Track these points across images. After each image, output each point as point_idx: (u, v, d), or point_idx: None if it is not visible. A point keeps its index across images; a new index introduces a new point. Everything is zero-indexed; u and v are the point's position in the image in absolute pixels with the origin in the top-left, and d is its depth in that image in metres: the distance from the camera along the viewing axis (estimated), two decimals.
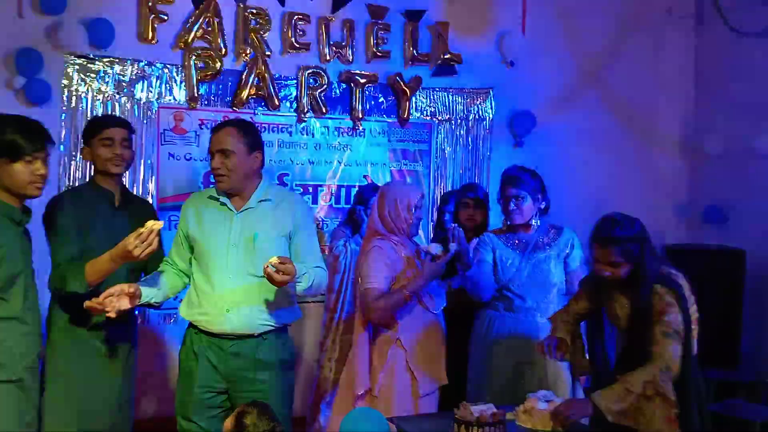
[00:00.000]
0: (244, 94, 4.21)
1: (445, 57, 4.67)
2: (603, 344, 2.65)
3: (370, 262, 2.95)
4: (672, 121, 5.23)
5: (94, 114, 3.85)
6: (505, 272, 3.08)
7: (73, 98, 3.88)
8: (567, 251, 3.10)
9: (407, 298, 2.88)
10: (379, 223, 3.03)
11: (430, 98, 4.70)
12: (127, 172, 3.40)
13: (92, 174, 3.04)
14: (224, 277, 2.65)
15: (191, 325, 2.76)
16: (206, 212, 2.70)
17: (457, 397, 2.89)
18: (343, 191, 4.51)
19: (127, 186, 3.36)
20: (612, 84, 5.09)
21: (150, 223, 2.44)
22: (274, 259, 2.45)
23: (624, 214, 2.55)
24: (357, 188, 4.28)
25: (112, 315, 2.46)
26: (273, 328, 2.69)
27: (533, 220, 3.14)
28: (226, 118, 3.57)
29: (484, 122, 4.84)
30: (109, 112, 3.95)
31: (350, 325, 3.89)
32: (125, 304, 2.50)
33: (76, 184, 3.80)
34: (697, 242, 4.98)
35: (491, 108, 4.84)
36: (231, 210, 2.69)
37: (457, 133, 4.80)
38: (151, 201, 3.90)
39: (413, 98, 4.62)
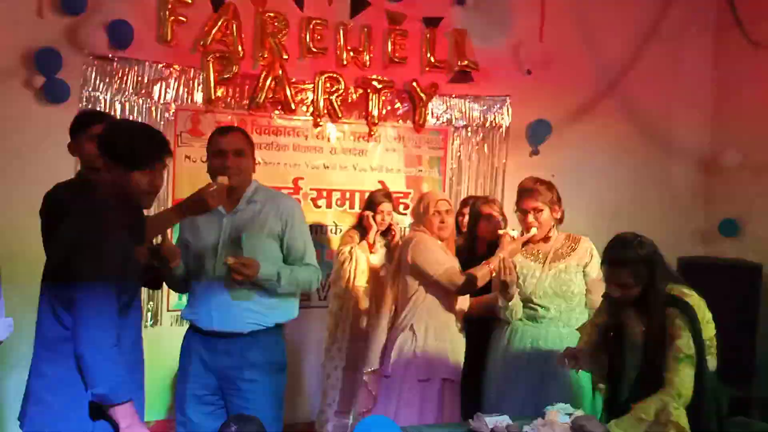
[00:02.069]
0: (261, 97, 4.22)
1: (462, 64, 4.66)
2: (621, 358, 2.62)
3: (426, 253, 3.17)
4: (689, 133, 5.20)
5: (112, 114, 3.86)
6: (527, 284, 3.07)
7: (92, 99, 3.90)
8: (586, 260, 3.08)
9: (492, 271, 3.11)
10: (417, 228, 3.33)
11: (446, 105, 4.69)
12: None
13: (80, 169, 2.90)
14: (213, 278, 2.69)
15: (189, 324, 2.81)
16: (199, 216, 2.71)
17: (473, 407, 2.94)
18: (357, 196, 4.51)
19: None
20: (629, 94, 5.06)
21: (220, 179, 2.60)
22: (230, 260, 2.56)
23: (636, 234, 2.54)
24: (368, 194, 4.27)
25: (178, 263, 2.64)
26: (263, 327, 2.71)
27: (552, 231, 3.13)
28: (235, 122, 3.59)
29: (501, 130, 4.83)
30: (127, 114, 3.97)
31: (358, 332, 3.90)
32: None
33: None
34: (712, 255, 4.93)
35: (508, 116, 4.83)
36: (221, 212, 2.73)
37: (473, 140, 4.79)
38: (169, 202, 3.91)
39: (429, 105, 4.61)
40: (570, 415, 2.54)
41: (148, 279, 2.69)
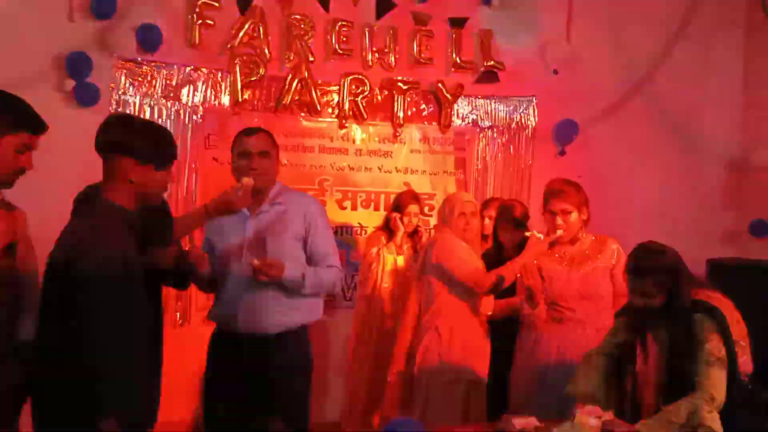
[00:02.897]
0: (287, 99, 4.24)
1: (488, 64, 4.65)
2: (634, 378, 2.60)
3: (451, 253, 3.19)
4: (719, 132, 5.11)
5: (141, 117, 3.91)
6: (553, 286, 3.05)
7: (121, 102, 3.95)
8: (613, 262, 3.05)
9: (517, 270, 3.11)
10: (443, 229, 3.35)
11: (472, 105, 4.68)
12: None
13: None
14: (238, 279, 2.71)
15: (217, 325, 2.84)
16: (224, 218, 2.73)
17: (501, 408, 2.93)
18: (382, 197, 4.51)
19: (169, 188, 3.40)
20: (658, 93, 4.99)
21: (245, 180, 2.62)
22: (255, 262, 2.57)
23: (658, 242, 2.52)
24: (394, 195, 4.27)
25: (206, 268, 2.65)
26: (288, 328, 2.72)
27: (580, 233, 3.11)
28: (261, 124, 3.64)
29: (527, 130, 4.80)
30: (156, 116, 4.01)
31: (385, 333, 3.90)
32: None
33: None
34: (743, 257, 4.86)
35: (534, 116, 4.80)
36: (245, 213, 2.75)
37: (499, 141, 4.77)
38: (197, 204, 3.95)
39: (455, 105, 4.60)
40: (599, 417, 2.52)
41: (176, 279, 2.72)
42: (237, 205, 2.57)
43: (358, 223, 4.50)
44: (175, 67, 4.06)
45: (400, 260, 4.03)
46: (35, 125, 2.14)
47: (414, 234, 4.09)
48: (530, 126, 4.80)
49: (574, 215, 3.05)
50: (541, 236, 3.12)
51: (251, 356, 2.70)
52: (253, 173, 2.71)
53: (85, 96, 3.84)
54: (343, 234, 4.46)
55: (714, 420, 2.33)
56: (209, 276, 2.77)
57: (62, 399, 2.02)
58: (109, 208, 2.13)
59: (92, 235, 2.05)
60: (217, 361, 2.78)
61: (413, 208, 4.03)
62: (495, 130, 4.76)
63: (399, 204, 4.05)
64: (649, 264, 2.45)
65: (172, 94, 4.07)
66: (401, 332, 3.39)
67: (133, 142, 2.16)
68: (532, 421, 2.50)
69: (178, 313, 4.12)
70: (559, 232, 3.05)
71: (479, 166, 4.74)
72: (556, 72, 4.75)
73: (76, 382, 1.97)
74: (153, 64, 4.01)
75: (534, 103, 4.79)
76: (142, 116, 3.91)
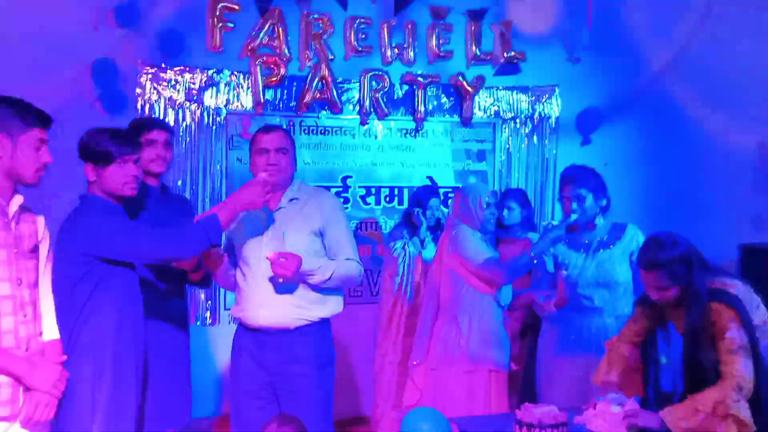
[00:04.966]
0: (308, 98, 4.29)
1: (509, 55, 4.63)
2: (657, 366, 2.57)
3: (467, 244, 3.17)
4: (749, 117, 4.99)
5: (160, 119, 3.99)
6: (569, 274, 3.04)
7: (147, 107, 4.04)
8: (632, 249, 3.03)
9: (531, 259, 3.09)
10: (457, 221, 3.30)
11: (493, 97, 4.67)
12: (195, 176, 4.00)
13: None
14: (258, 274, 2.75)
15: (239, 321, 2.88)
16: (243, 214, 2.77)
17: (526, 397, 2.95)
18: (406, 192, 4.53)
19: (196, 189, 3.72)
20: (685, 78, 4.90)
21: (261, 175, 2.67)
22: (270, 254, 2.60)
23: (669, 233, 2.47)
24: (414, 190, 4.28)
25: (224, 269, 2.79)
26: (308, 322, 2.76)
27: (597, 219, 3.09)
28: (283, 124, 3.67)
29: (550, 120, 4.77)
30: (180, 120, 4.10)
31: (411, 327, 3.91)
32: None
33: None
34: None
35: (557, 105, 4.76)
36: (264, 210, 2.79)
37: (522, 131, 4.74)
38: None
39: (476, 97, 4.59)
40: (622, 405, 2.51)
41: (197, 278, 2.79)
42: (255, 201, 2.59)
43: (383, 218, 4.52)
44: (198, 70, 4.14)
45: (425, 254, 4.04)
46: (42, 119, 2.23)
47: (437, 227, 4.09)
48: (553, 116, 4.77)
49: (590, 200, 3.03)
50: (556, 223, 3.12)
51: (272, 351, 2.75)
52: (270, 169, 2.76)
53: (112, 103, 3.93)
54: (368, 229, 4.49)
55: (741, 409, 2.29)
56: (229, 275, 2.83)
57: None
58: (88, 199, 2.48)
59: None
60: (240, 357, 2.82)
61: (434, 201, 4.04)
62: (518, 121, 4.73)
63: (419, 198, 4.06)
64: (660, 257, 2.41)
65: (195, 98, 4.15)
66: (420, 324, 3.40)
67: (85, 148, 2.46)
68: (553, 410, 2.50)
69: (209, 312, 4.20)
70: (573, 217, 3.03)
71: (503, 158, 4.72)
72: (578, 60, 4.70)
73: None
74: (176, 69, 4.09)
75: (557, 93, 4.75)
76: (166, 120, 4.00)
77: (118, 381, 2.37)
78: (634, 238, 3.05)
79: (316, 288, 2.74)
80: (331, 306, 2.83)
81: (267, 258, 2.61)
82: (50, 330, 2.28)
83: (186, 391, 2.98)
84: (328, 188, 4.28)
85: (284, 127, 2.99)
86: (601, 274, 3.01)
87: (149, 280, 2.73)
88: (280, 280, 2.69)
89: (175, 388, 2.89)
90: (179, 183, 4.10)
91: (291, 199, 2.83)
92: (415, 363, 3.31)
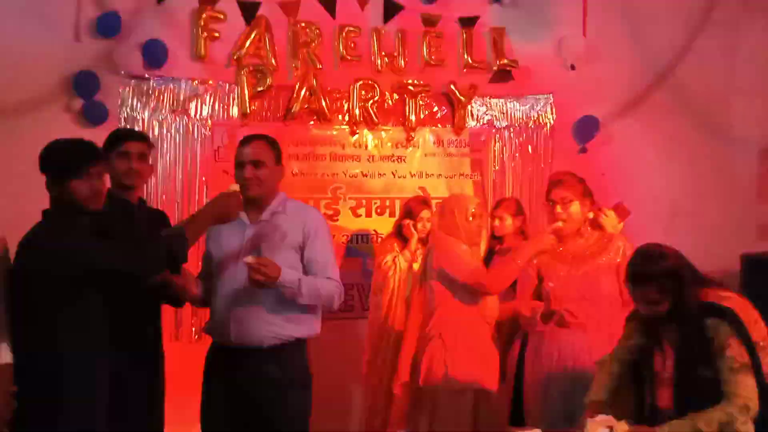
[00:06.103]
0: (296, 108, 4.20)
1: (502, 63, 4.53)
2: (652, 386, 2.46)
3: (452, 257, 3.05)
4: (749, 123, 4.89)
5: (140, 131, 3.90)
6: (550, 287, 2.94)
7: (130, 119, 3.96)
8: (618, 260, 2.92)
9: (519, 266, 2.98)
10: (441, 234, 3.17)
11: (486, 106, 4.57)
12: (180, 188, 3.94)
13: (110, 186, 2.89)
14: (231, 289, 2.66)
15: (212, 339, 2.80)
16: (224, 227, 2.70)
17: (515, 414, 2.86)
18: (397, 203, 4.42)
19: (181, 203, 3.71)
20: (682, 84, 4.81)
21: (232, 186, 2.59)
22: (250, 259, 2.49)
23: (658, 245, 2.38)
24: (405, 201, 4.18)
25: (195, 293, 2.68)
26: (281, 341, 2.64)
27: (584, 229, 3.00)
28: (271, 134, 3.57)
29: (545, 129, 4.66)
30: (164, 131, 4.01)
31: (401, 344, 3.80)
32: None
33: None
34: None
35: (552, 114, 4.66)
36: (244, 222, 2.71)
37: (516, 141, 4.64)
38: None
39: (469, 107, 4.50)
40: (611, 428, 2.39)
41: (168, 296, 2.68)
42: (228, 214, 2.50)
43: (374, 230, 4.42)
44: (182, 81, 4.05)
45: (415, 267, 3.93)
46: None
47: (427, 240, 3.99)
48: (548, 124, 4.66)
49: (576, 206, 2.96)
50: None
51: (244, 369, 2.64)
52: (246, 183, 2.67)
53: (94, 115, 3.86)
54: (359, 242, 4.39)
55: (749, 431, 2.20)
56: (200, 296, 2.74)
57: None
58: (46, 215, 2.38)
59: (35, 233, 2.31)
60: (212, 376, 2.73)
61: (425, 213, 3.94)
62: (512, 129, 4.63)
63: (410, 210, 3.96)
64: (649, 270, 2.32)
65: (180, 109, 4.06)
66: (405, 342, 3.28)
67: (47, 160, 2.38)
68: None
69: (194, 329, 4.09)
70: (559, 223, 2.94)
71: (497, 167, 4.62)
72: (573, 68, 4.60)
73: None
74: (160, 79, 4.01)
75: (551, 101, 4.65)
76: (150, 133, 3.91)
77: (83, 404, 2.27)
78: (620, 249, 2.95)
79: (292, 306, 2.63)
80: (305, 326, 2.71)
81: (246, 262, 2.49)
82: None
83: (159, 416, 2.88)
84: (317, 200, 4.22)
85: (268, 137, 2.85)
86: (585, 287, 2.91)
87: (117, 303, 2.62)
88: (255, 296, 2.58)
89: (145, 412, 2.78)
90: (162, 197, 4.00)
91: (273, 213, 2.74)
92: (400, 384, 3.19)
